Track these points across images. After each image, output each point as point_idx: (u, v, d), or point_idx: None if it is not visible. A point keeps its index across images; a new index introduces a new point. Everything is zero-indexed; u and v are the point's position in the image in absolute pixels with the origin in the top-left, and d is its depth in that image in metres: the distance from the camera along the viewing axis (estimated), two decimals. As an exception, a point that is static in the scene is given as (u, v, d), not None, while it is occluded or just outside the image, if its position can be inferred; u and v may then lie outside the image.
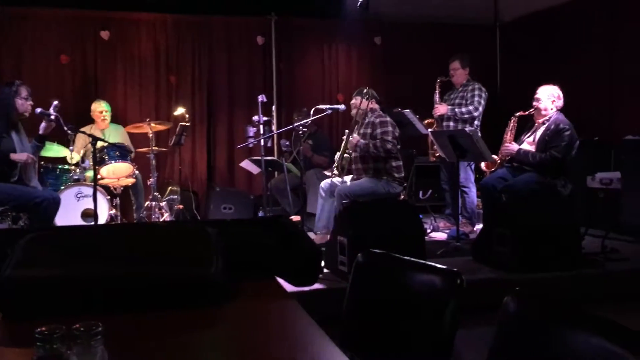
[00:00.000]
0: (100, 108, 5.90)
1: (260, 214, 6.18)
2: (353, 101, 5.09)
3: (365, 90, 4.96)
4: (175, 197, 6.11)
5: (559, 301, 1.25)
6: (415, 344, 1.60)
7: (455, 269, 1.52)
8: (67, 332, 0.93)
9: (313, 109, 5.09)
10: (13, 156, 4.25)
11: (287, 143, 6.22)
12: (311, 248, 1.81)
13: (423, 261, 1.69)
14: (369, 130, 4.88)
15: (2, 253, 1.51)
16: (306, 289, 3.08)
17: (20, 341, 1.27)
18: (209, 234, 1.67)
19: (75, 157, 5.36)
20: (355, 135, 4.90)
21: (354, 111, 5.02)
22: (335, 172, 4.91)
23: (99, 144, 4.81)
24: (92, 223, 4.72)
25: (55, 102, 4.50)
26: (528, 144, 4.86)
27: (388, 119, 4.87)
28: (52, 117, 4.41)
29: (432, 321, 1.54)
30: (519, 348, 1.24)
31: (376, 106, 5.03)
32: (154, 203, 5.65)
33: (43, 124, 4.42)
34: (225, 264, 1.55)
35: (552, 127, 4.71)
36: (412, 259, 1.71)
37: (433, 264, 1.63)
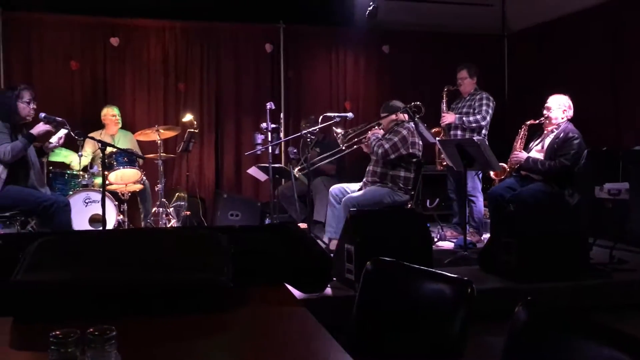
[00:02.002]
0: (113, 112, 5.95)
1: (267, 221, 6.18)
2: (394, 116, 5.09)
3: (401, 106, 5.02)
4: (183, 203, 6.13)
5: (570, 310, 1.25)
6: (425, 353, 1.59)
7: (466, 278, 1.52)
8: (81, 336, 0.94)
9: (321, 116, 5.10)
10: (36, 128, 4.26)
11: (295, 150, 6.23)
12: (321, 255, 1.81)
13: (433, 270, 1.69)
14: (391, 136, 4.92)
15: (14, 257, 1.52)
16: (313, 296, 3.08)
17: (32, 344, 1.28)
18: (219, 239, 1.68)
19: (84, 161, 5.39)
20: (380, 132, 4.93)
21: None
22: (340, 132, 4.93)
23: (108, 149, 4.83)
24: (100, 228, 4.73)
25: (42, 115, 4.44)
26: (536, 152, 4.86)
27: (404, 132, 4.85)
28: (59, 120, 4.43)
29: (441, 330, 1.53)
30: (530, 358, 1.23)
31: (404, 118, 5.03)
32: (161, 209, 5.66)
33: (39, 126, 4.34)
34: (235, 270, 1.56)
35: (562, 135, 4.71)
36: (422, 267, 1.71)
37: (443, 272, 1.63)
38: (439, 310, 1.56)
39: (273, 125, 5.37)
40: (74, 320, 1.13)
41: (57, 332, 0.93)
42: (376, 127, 5.04)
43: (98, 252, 1.56)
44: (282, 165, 6.52)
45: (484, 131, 5.39)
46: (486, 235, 5.41)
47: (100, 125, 6.00)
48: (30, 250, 1.52)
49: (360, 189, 4.99)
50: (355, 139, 5.06)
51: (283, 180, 6.46)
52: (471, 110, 5.44)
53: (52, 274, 1.43)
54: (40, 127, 4.33)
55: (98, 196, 5.03)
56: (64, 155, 5.51)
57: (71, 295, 1.41)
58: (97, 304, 1.41)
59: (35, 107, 4.43)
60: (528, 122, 5.02)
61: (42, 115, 4.43)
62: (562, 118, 4.85)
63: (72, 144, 5.32)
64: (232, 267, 1.55)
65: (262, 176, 6.08)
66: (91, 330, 0.94)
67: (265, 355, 1.25)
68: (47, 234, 1.71)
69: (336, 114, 5.12)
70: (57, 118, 4.46)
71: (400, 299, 1.71)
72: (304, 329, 1.40)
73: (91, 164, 5.54)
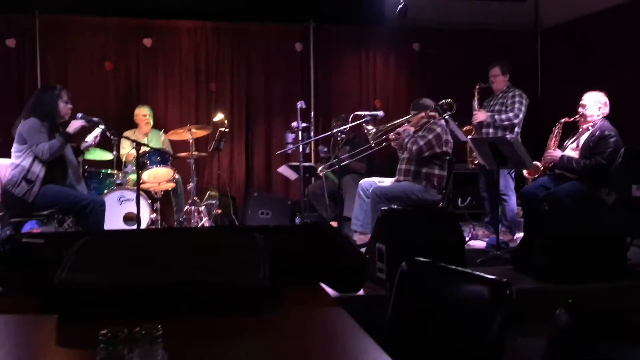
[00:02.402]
0: (144, 112, 6.05)
1: (297, 219, 6.21)
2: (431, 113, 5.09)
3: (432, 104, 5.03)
4: (214, 201, 6.19)
5: (613, 313, 1.23)
6: (462, 356, 1.58)
7: (505, 280, 1.50)
8: (128, 335, 0.96)
9: (351, 115, 5.10)
10: (71, 126, 4.36)
11: (325, 149, 6.24)
12: (356, 255, 1.81)
13: (470, 270, 1.67)
14: (425, 133, 4.89)
15: (58, 256, 1.56)
16: (346, 295, 3.08)
17: (78, 342, 1.31)
18: (255, 240, 1.69)
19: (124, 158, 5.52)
20: (411, 129, 4.92)
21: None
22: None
23: (142, 148, 4.91)
24: (135, 227, 4.81)
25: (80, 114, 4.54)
26: (571, 150, 4.78)
27: (439, 130, 4.83)
28: (95, 121, 4.52)
29: (479, 333, 1.51)
30: (572, 361, 1.22)
31: (435, 115, 5.02)
32: (193, 207, 5.73)
33: (74, 123, 4.42)
34: (271, 270, 1.57)
35: (597, 133, 4.62)
36: (459, 268, 1.70)
37: (480, 273, 1.61)
38: (476, 312, 1.55)
39: (304, 124, 5.38)
40: (116, 319, 1.15)
41: (106, 331, 0.95)
42: (406, 124, 5.02)
43: (139, 252, 1.58)
44: (313, 164, 6.53)
45: (516, 129, 5.32)
46: (519, 235, 5.34)
47: (133, 125, 6.10)
48: (73, 250, 1.55)
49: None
50: (385, 136, 5.05)
51: (313, 179, 6.47)
52: (503, 108, 5.37)
53: (95, 274, 1.46)
54: (75, 124, 4.42)
55: (132, 195, 5.12)
56: (99, 155, 5.62)
57: (114, 295, 1.43)
58: (138, 304, 1.44)
59: (71, 106, 4.53)
60: (562, 120, 4.94)
61: (79, 115, 4.53)
62: (598, 115, 4.76)
63: (106, 143, 5.42)
64: (269, 268, 1.56)
65: (292, 175, 6.11)
66: (138, 329, 0.96)
67: (305, 356, 1.26)
68: (89, 233, 1.75)
69: (366, 113, 5.12)
70: (94, 118, 4.56)
71: (436, 300, 1.69)
72: (342, 330, 1.40)
73: (125, 163, 5.64)
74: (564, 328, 1.24)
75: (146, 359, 0.93)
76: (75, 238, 1.64)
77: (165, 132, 6.13)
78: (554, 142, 4.91)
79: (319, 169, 5.53)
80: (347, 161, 5.53)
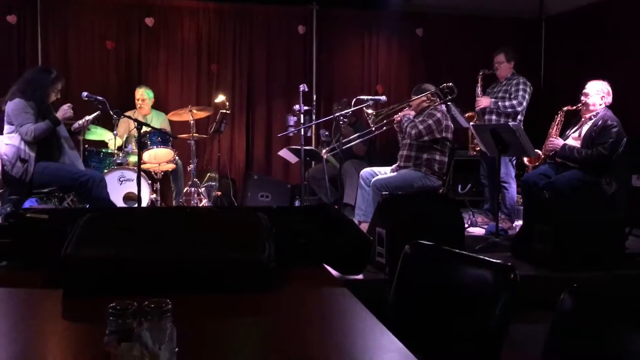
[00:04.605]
0: (139, 95, 5.99)
1: (297, 203, 6.21)
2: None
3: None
4: (214, 183, 6.19)
5: (618, 299, 1.23)
6: (464, 339, 1.58)
7: (509, 264, 1.50)
8: (137, 309, 0.96)
9: (354, 99, 5.08)
10: (62, 111, 4.27)
11: (327, 133, 6.22)
12: (361, 237, 1.82)
13: (474, 255, 1.68)
14: (425, 118, 4.88)
15: (63, 232, 1.56)
16: (343, 278, 3.09)
17: (83, 316, 1.32)
18: (260, 219, 1.69)
19: (118, 141, 5.47)
20: (411, 113, 4.92)
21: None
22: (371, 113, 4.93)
23: (143, 128, 4.89)
24: (135, 206, 4.81)
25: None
26: (573, 139, 4.78)
27: (439, 115, 4.81)
28: (99, 100, 4.50)
29: (482, 316, 1.52)
30: (576, 346, 1.22)
31: (436, 101, 5.00)
32: (193, 189, 5.73)
33: (66, 111, 4.31)
34: (276, 250, 1.57)
35: (600, 123, 4.62)
36: (463, 252, 1.70)
37: (485, 257, 1.62)
38: (480, 295, 1.55)
39: (306, 108, 5.36)
40: (121, 294, 1.15)
41: (115, 304, 0.96)
42: (407, 108, 5.01)
43: (144, 229, 1.59)
44: (314, 147, 6.51)
45: (519, 117, 5.31)
46: (518, 223, 5.35)
47: (133, 105, 6.07)
48: (78, 225, 1.55)
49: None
50: (386, 120, 5.04)
51: (313, 162, 6.46)
52: (507, 96, 5.35)
53: (101, 249, 1.47)
54: (66, 112, 4.32)
55: (132, 175, 5.11)
56: (99, 134, 5.60)
57: (119, 270, 1.44)
58: (141, 280, 1.44)
59: (59, 97, 4.45)
60: (565, 108, 4.93)
61: (85, 94, 4.51)
62: (601, 104, 4.75)
63: (107, 123, 5.41)
64: (274, 247, 1.57)
65: (292, 158, 6.10)
66: (147, 302, 0.96)
67: (311, 333, 1.27)
68: (94, 210, 1.75)
69: (369, 97, 5.09)
70: (98, 97, 4.54)
71: (439, 283, 1.70)
72: (348, 309, 1.41)
73: (126, 143, 5.62)
74: (568, 312, 1.25)
75: (155, 333, 0.93)
76: (79, 214, 1.64)
77: (166, 113, 6.11)
78: (556, 130, 4.91)
79: (323, 152, 5.52)
80: (352, 143, 5.50)
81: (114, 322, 0.94)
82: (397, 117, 4.97)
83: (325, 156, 5.51)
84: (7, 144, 4.18)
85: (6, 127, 4.24)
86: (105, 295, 1.22)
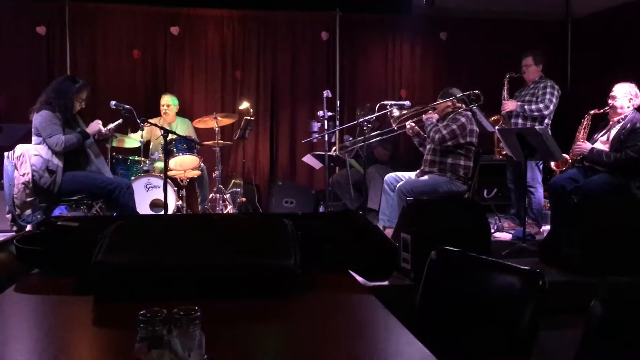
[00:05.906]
0: (164, 102, 6.06)
1: (322, 208, 6.22)
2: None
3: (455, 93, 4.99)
4: (239, 190, 6.23)
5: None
6: (492, 346, 1.57)
7: (537, 270, 1.49)
8: (167, 316, 0.97)
9: (378, 104, 5.07)
10: (92, 127, 4.36)
11: (351, 139, 6.22)
12: (387, 243, 1.81)
13: (501, 260, 1.66)
14: (449, 122, 4.85)
15: (93, 239, 1.59)
16: (368, 284, 3.09)
17: (113, 322, 1.34)
18: (286, 225, 1.70)
19: (145, 148, 5.55)
20: (435, 116, 4.90)
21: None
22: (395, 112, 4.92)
23: (169, 136, 4.95)
24: (162, 213, 4.87)
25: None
26: (601, 143, 4.70)
27: (463, 120, 4.77)
28: (127, 108, 4.57)
29: (510, 324, 1.50)
30: (607, 353, 1.21)
31: (462, 105, 4.98)
32: (218, 195, 5.78)
33: (95, 127, 4.40)
34: (302, 256, 1.57)
35: (628, 126, 4.54)
36: (489, 258, 1.69)
37: (512, 264, 1.60)
38: (507, 302, 1.53)
39: (330, 114, 5.37)
40: (151, 301, 1.17)
41: (145, 311, 0.97)
42: (431, 112, 4.98)
43: (173, 236, 1.61)
44: (337, 153, 6.52)
45: (546, 121, 5.24)
46: (545, 227, 5.28)
47: (159, 113, 6.14)
48: (108, 233, 1.58)
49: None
50: (407, 120, 5.03)
51: (337, 168, 6.47)
52: (534, 99, 5.29)
53: (131, 256, 1.49)
54: (95, 127, 4.40)
55: (159, 182, 5.17)
56: (126, 142, 5.68)
57: (149, 277, 1.46)
58: (171, 286, 1.46)
59: (84, 106, 4.53)
60: (592, 112, 4.86)
61: (113, 103, 4.59)
62: (628, 107, 4.67)
63: (134, 130, 5.49)
64: (300, 253, 1.57)
65: (316, 164, 6.11)
66: (177, 310, 0.97)
67: (337, 339, 1.27)
68: (123, 217, 1.78)
69: (393, 102, 5.09)
70: (126, 106, 4.61)
71: (466, 290, 1.69)
72: (374, 316, 1.41)
73: (152, 151, 5.69)
74: (598, 319, 1.23)
75: (184, 340, 0.94)
76: (108, 221, 1.67)
77: (191, 120, 6.17)
78: (583, 134, 4.84)
79: (345, 153, 5.52)
80: (372, 140, 5.47)
81: (144, 329, 0.95)
82: (424, 117, 4.94)
83: (347, 158, 5.51)
84: (35, 155, 4.25)
85: (34, 139, 4.33)
86: (135, 302, 1.24)
